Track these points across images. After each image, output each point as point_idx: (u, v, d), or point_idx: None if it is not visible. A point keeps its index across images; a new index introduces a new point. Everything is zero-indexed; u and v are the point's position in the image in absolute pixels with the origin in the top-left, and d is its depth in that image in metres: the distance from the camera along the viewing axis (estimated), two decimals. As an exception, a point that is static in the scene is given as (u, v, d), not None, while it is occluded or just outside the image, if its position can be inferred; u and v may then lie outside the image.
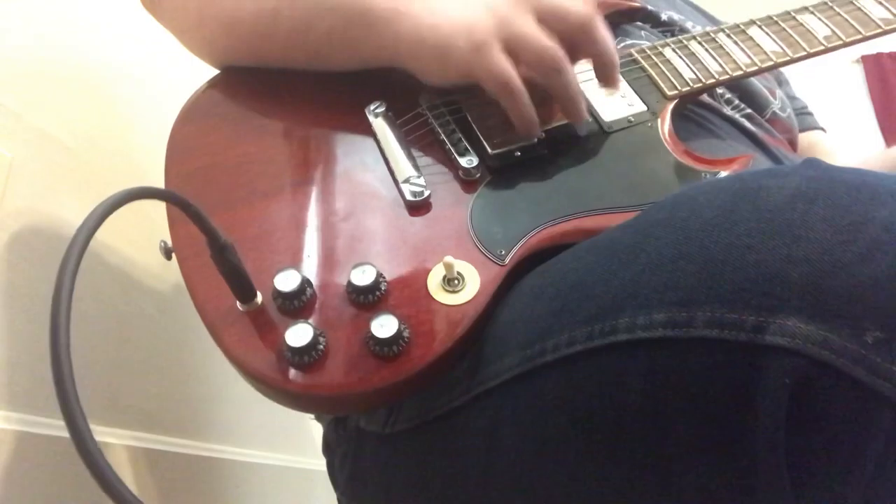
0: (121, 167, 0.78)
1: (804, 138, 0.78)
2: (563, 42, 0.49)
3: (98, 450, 0.23)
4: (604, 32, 0.50)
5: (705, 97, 0.62)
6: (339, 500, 0.61)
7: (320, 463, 0.63)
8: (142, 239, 0.76)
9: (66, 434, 0.24)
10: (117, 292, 0.71)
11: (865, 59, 3.16)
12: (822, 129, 0.81)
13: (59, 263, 0.27)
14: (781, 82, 0.79)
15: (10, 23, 0.64)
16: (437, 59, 0.50)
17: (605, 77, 0.52)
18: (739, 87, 0.66)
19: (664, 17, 0.68)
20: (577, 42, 0.49)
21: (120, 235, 0.73)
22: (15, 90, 0.61)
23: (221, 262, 0.39)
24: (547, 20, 0.49)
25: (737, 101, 0.65)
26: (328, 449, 0.60)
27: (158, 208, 0.45)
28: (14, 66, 0.63)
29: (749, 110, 0.65)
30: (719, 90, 0.64)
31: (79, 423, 0.23)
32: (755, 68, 0.57)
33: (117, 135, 0.80)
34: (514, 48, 0.48)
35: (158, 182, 0.52)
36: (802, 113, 0.81)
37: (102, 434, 0.63)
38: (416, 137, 0.53)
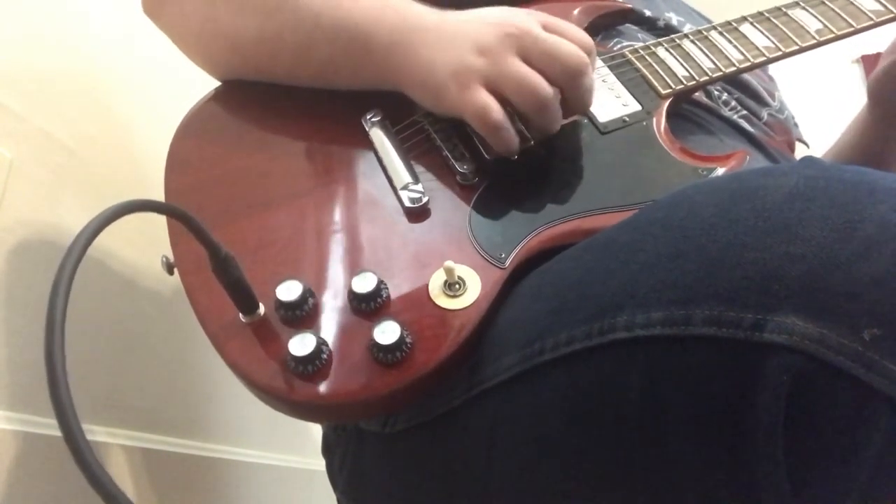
0: (121, 168, 0.79)
1: None
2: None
3: (88, 446, 0.23)
4: (589, 84, 0.50)
5: (703, 98, 0.62)
6: (338, 500, 0.61)
7: (320, 463, 0.63)
8: (142, 241, 0.76)
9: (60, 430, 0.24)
10: (118, 293, 0.72)
11: (865, 60, 3.16)
12: (806, 143, 0.81)
13: (58, 265, 0.27)
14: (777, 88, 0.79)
15: (11, 24, 0.65)
16: (431, 96, 0.51)
17: (566, 114, 0.52)
18: (739, 88, 0.67)
19: (661, 23, 0.68)
20: (560, 84, 0.49)
21: (120, 237, 0.73)
22: (16, 91, 0.62)
23: (223, 274, 0.39)
24: (535, 61, 0.49)
25: (734, 103, 0.65)
26: (328, 449, 0.61)
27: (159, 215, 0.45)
28: (15, 66, 0.63)
29: (746, 112, 0.65)
30: (716, 91, 0.64)
31: (68, 414, 0.23)
32: (748, 64, 0.57)
33: (118, 136, 0.80)
34: (499, 87, 0.49)
35: (158, 183, 0.52)
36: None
37: (103, 434, 0.64)
38: (413, 145, 0.53)
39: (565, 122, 0.53)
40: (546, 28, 0.50)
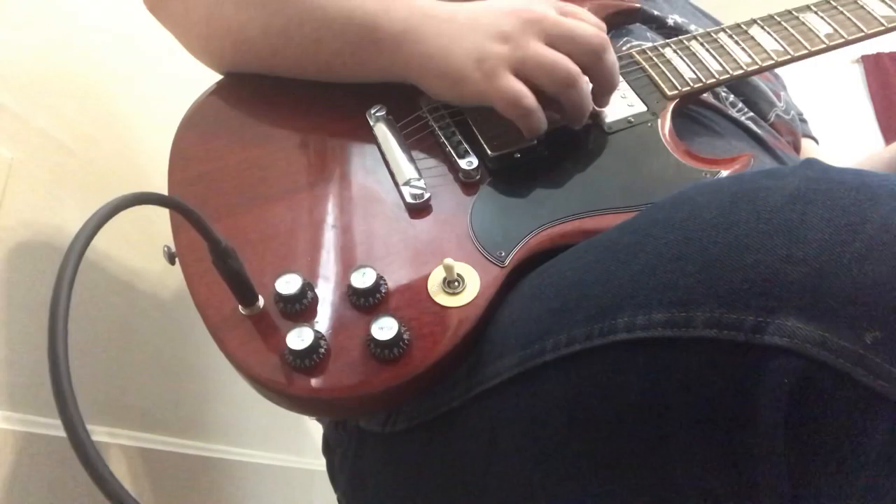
0: (121, 168, 0.79)
1: None
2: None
3: (94, 448, 0.23)
4: (613, 59, 0.51)
5: (710, 99, 0.62)
6: (339, 500, 0.61)
7: (320, 463, 0.63)
8: (143, 239, 0.76)
9: (66, 434, 0.24)
10: (118, 293, 0.72)
11: (865, 59, 3.15)
12: (815, 139, 0.81)
13: (58, 264, 0.27)
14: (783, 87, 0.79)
15: (11, 24, 0.64)
16: (449, 85, 0.51)
17: (600, 99, 0.53)
18: (744, 88, 0.66)
19: (670, 21, 0.68)
20: (584, 65, 0.50)
21: (121, 236, 0.73)
22: (16, 91, 0.62)
23: (223, 266, 0.39)
24: (557, 44, 0.49)
25: (741, 105, 0.65)
26: (328, 449, 0.61)
27: (160, 210, 0.45)
28: (15, 67, 0.63)
29: (753, 114, 0.65)
30: (723, 93, 0.64)
31: (74, 418, 0.23)
32: (756, 67, 0.57)
33: (118, 136, 0.80)
34: (526, 71, 0.49)
35: (159, 183, 0.52)
36: (799, 119, 0.81)
37: (103, 434, 0.64)
38: (417, 140, 0.53)
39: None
40: (561, 13, 0.51)
